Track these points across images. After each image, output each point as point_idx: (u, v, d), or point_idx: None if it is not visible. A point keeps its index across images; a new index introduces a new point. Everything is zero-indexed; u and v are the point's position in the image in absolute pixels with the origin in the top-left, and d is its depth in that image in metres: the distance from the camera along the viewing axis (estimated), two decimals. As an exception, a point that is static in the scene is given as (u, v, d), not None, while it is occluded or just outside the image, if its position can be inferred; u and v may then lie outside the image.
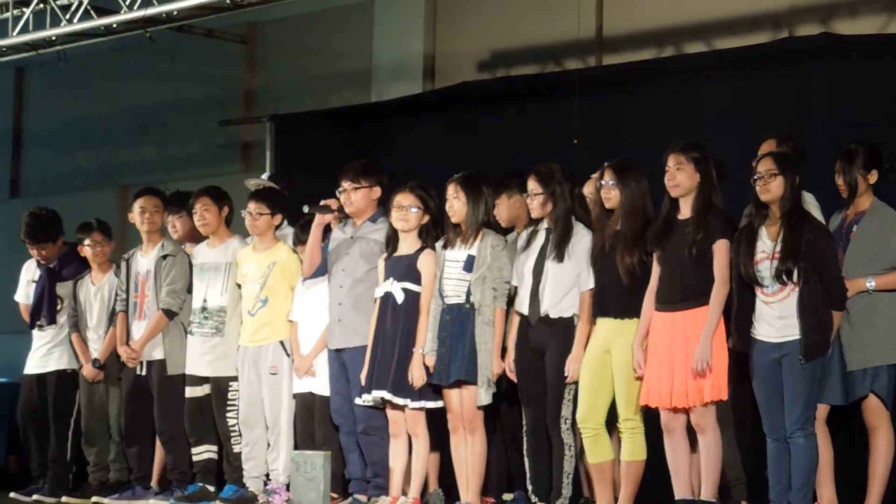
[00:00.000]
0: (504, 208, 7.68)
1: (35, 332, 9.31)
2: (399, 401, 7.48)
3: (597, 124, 9.01)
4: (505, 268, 7.34)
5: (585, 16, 9.95)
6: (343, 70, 11.71)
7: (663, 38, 9.90)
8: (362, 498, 7.72)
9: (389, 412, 7.57)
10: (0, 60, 10.40)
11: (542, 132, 9.38)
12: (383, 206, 7.85)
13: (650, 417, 6.95)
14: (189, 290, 8.59)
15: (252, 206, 8.29)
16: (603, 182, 7.07)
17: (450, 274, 7.42)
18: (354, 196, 7.85)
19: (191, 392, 8.50)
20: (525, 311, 7.25)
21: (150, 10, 9.20)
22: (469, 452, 7.38)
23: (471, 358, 7.28)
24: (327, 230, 8.00)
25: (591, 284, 7.11)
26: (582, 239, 7.19)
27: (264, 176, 9.36)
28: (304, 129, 11.17)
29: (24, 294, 9.48)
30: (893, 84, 8.12)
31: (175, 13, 9.19)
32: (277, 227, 8.42)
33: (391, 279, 7.58)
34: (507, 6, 10.75)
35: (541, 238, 7.29)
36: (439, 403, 7.46)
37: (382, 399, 7.52)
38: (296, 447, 8.07)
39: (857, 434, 6.96)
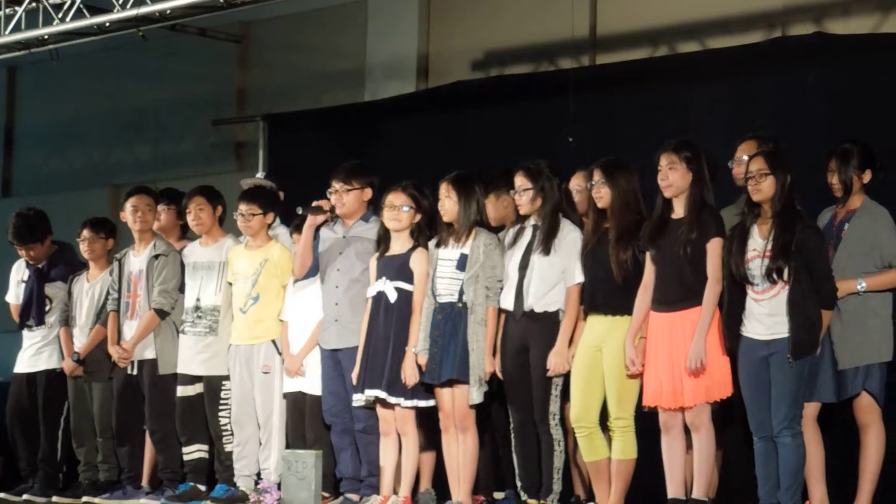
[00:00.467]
0: (491, 208, 7.67)
1: (25, 332, 9.29)
2: (392, 399, 7.46)
3: (591, 123, 9.03)
4: (498, 267, 7.32)
5: (579, 15, 9.96)
6: (336, 69, 11.71)
7: (657, 37, 9.91)
8: (354, 497, 7.71)
9: (380, 411, 7.55)
10: (-8, 59, 10.42)
11: (537, 131, 9.39)
12: (374, 206, 7.83)
13: (641, 416, 6.94)
14: (181, 289, 8.57)
15: (243, 206, 8.25)
16: (593, 181, 7.06)
17: (442, 273, 7.41)
18: (346, 197, 7.83)
19: (182, 391, 8.48)
20: (509, 306, 7.24)
21: (143, 9, 9.19)
22: (461, 451, 7.36)
23: (463, 357, 7.26)
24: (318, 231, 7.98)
25: (577, 280, 7.10)
26: (569, 234, 7.18)
27: (260, 175, 9.33)
28: (298, 128, 11.18)
29: (14, 294, 9.44)
30: (886, 83, 8.14)
31: (168, 12, 9.20)
32: (269, 226, 8.40)
33: (384, 278, 7.57)
34: (500, 6, 10.76)
35: (527, 235, 7.28)
36: (431, 402, 7.45)
37: (375, 398, 7.50)
38: (287, 446, 8.05)
39: (848, 432, 6.94)
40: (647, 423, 6.91)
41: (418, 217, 7.61)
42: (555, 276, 7.17)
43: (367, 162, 8.25)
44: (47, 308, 9.21)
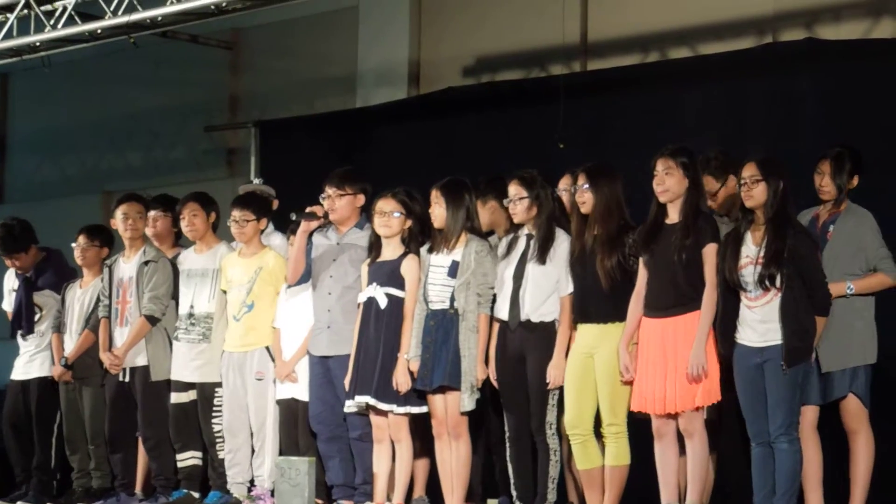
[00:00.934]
0: (480, 214, 7.66)
1: (20, 340, 9.30)
2: (383, 406, 7.46)
3: (582, 129, 9.02)
4: (489, 273, 7.32)
5: (570, 21, 9.96)
6: (328, 76, 11.71)
7: (648, 43, 9.91)
8: (347, 504, 7.72)
9: (373, 418, 7.55)
10: (-16, 66, 10.40)
11: (528, 137, 9.39)
12: (368, 213, 7.83)
13: (635, 423, 6.95)
14: (172, 295, 8.56)
15: (237, 213, 8.25)
16: (577, 186, 7.06)
17: (434, 279, 7.41)
18: (339, 203, 7.82)
19: (176, 398, 8.48)
20: (505, 316, 7.24)
21: (135, 16, 9.17)
22: (453, 458, 7.36)
23: (454, 364, 7.26)
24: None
25: (571, 289, 7.10)
26: (563, 244, 7.18)
27: (258, 181, 9.33)
28: (290, 134, 11.17)
29: (9, 302, 9.49)
30: (877, 89, 8.15)
31: (159, 19, 9.17)
32: (262, 232, 8.39)
33: (374, 284, 7.56)
34: (492, 12, 10.75)
35: (521, 244, 7.28)
36: (423, 409, 7.45)
37: (366, 405, 7.50)
38: (280, 453, 8.05)
39: (837, 438, 6.95)
40: (640, 430, 6.91)
41: (409, 223, 7.61)
42: (550, 286, 7.17)
43: (358, 168, 8.25)
44: (37, 317, 9.21)
